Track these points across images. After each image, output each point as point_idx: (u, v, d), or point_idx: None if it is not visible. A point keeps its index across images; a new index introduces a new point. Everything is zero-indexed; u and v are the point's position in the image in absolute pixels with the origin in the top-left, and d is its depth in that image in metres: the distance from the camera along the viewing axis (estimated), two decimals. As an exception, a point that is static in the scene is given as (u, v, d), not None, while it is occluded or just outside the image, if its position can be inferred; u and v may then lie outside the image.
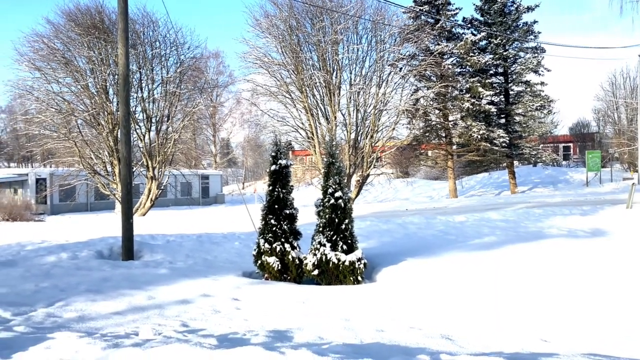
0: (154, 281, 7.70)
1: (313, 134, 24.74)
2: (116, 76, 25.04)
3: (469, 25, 34.43)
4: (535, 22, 33.65)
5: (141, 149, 25.79)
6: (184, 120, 27.01)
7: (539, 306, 5.87)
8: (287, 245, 8.23)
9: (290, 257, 8.18)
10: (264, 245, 8.21)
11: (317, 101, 25.13)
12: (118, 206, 27.04)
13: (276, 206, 8.32)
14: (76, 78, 25.07)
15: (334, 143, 8.38)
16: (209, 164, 58.32)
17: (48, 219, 26.78)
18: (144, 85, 25.52)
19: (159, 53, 25.52)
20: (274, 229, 8.24)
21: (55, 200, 33.92)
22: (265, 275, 8.24)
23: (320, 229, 8.01)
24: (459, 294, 6.63)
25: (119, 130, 26.15)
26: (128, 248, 10.30)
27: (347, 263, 7.68)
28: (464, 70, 33.27)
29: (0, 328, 4.86)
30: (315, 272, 7.84)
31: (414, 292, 6.92)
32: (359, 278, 7.78)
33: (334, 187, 7.97)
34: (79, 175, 27.89)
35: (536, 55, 33.38)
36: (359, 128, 25.23)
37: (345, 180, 10.07)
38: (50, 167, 33.35)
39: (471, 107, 30.67)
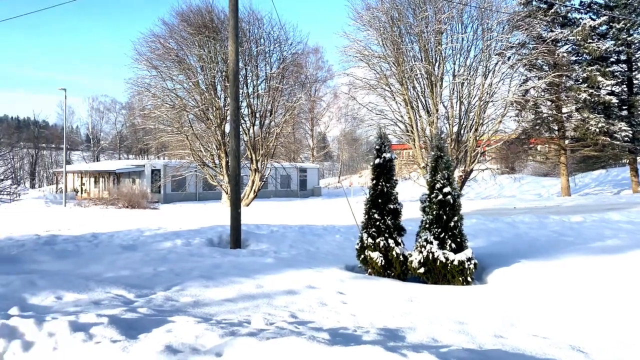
0: (261, 270, 7.88)
1: (412, 127, 24.20)
2: (223, 73, 26.29)
3: (587, 9, 31.61)
4: (667, 2, 30.09)
5: (246, 143, 26.87)
6: (285, 114, 27.71)
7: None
8: (390, 241, 8.03)
9: (394, 253, 7.97)
10: (367, 239, 8.08)
11: (417, 93, 24.54)
12: (224, 196, 28.46)
13: (380, 200, 8.14)
14: (188, 75, 26.68)
15: (442, 136, 8.02)
16: (306, 157, 59.51)
17: (161, 207, 28.87)
18: (249, 81, 26.56)
19: (263, 50, 26.36)
20: (378, 223, 8.07)
21: (168, 189, 36.50)
22: (369, 270, 8.11)
23: (427, 225, 7.71)
24: (582, 302, 6.03)
25: (226, 125, 27.53)
26: (236, 237, 10.70)
27: (455, 262, 7.32)
28: (580, 58, 30.65)
29: (126, 309, 5.19)
30: (421, 270, 7.57)
31: (531, 297, 6.42)
32: (469, 279, 7.39)
33: (442, 182, 7.62)
34: (190, 167, 29.72)
35: (667, 39, 29.89)
36: (462, 121, 24.24)
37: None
38: (164, 159, 35.93)
39: (588, 98, 28.19)
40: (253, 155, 27.34)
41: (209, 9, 26.51)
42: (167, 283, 6.88)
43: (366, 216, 8.20)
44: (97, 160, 67.64)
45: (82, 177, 44.83)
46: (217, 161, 28.00)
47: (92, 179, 43.56)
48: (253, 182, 27.99)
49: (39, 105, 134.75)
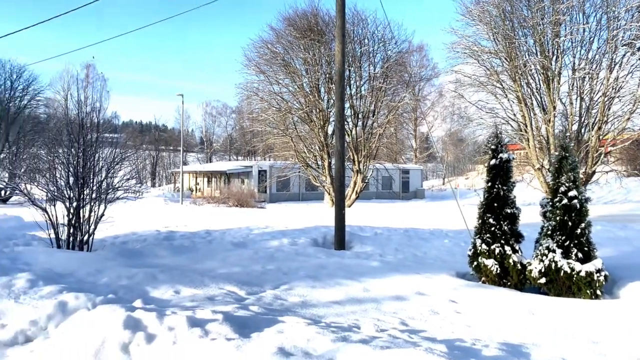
0: (366, 273, 7.74)
1: (526, 126, 22.62)
2: (327, 75, 26.58)
3: None
4: None
5: (348, 143, 26.94)
6: (388, 115, 27.35)
7: None
8: (507, 248, 7.49)
9: (510, 261, 7.41)
10: (480, 245, 7.60)
11: (532, 90, 22.88)
12: (326, 197, 28.77)
13: (495, 204, 7.62)
14: (293, 79, 27.34)
15: (567, 134, 7.32)
16: (409, 158, 58.44)
17: (267, 207, 29.86)
18: (352, 82, 26.56)
19: (367, 50, 26.26)
20: (493, 229, 7.56)
21: (273, 189, 37.71)
22: (482, 278, 7.63)
23: (549, 232, 7.06)
24: None
25: (329, 126, 27.81)
26: (340, 238, 10.65)
27: (582, 274, 6.61)
28: None
29: (238, 306, 5.29)
30: (542, 280, 6.94)
31: (677, 317, 5.59)
32: (598, 292, 6.64)
33: (567, 185, 6.94)
34: (294, 168, 30.44)
35: None
36: (582, 119, 22.19)
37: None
38: (270, 160, 37.19)
39: None
40: (355, 156, 27.32)
41: (314, 12, 26.99)
42: (275, 281, 6.98)
43: (480, 221, 7.73)
44: (210, 162, 71.94)
45: (196, 177, 47.91)
46: (319, 162, 28.39)
47: (205, 179, 46.36)
48: (355, 183, 27.97)
49: (159, 110, 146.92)
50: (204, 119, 79.56)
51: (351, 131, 27.23)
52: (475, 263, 7.68)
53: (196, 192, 45.29)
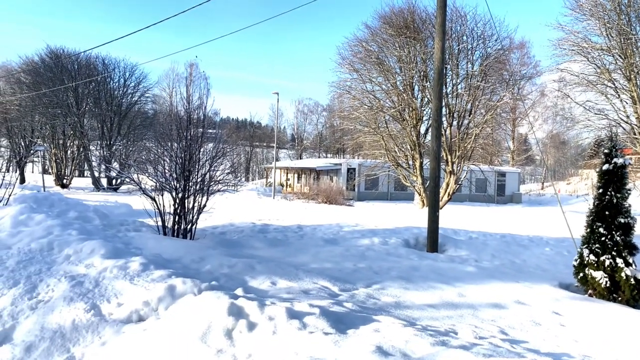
0: (461, 278, 7.51)
1: (642, 129, 20.74)
2: (422, 73, 26.09)
3: None
4: None
5: (442, 143, 26.23)
6: (485, 114, 26.27)
7: None
8: (618, 260, 6.91)
9: (622, 274, 6.84)
10: (588, 256, 7.09)
11: (650, 89, 20.92)
12: (417, 197, 28.27)
13: (606, 212, 7.07)
14: (386, 77, 27.12)
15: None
16: (505, 160, 55.74)
17: (355, 205, 29.94)
18: (448, 80, 25.83)
19: (465, 47, 25.40)
20: (603, 239, 7.02)
21: (362, 188, 37.71)
22: (589, 291, 7.11)
23: (670, 245, 6.43)
24: None
25: (421, 126, 27.28)
26: (433, 240, 10.42)
27: None
28: None
29: (332, 302, 5.36)
30: (660, 298, 6.35)
31: None
32: None
33: (694, 194, 6.27)
34: (383, 166, 30.22)
35: None
36: None
37: None
38: (359, 158, 37.19)
39: None
40: (449, 157, 26.56)
41: (411, 9, 26.59)
42: (367, 280, 6.99)
43: (588, 230, 7.21)
44: (300, 158, 73.46)
45: (287, 173, 49.18)
46: (410, 162, 27.95)
47: (296, 175, 47.45)
48: (447, 184, 27.20)
49: (254, 107, 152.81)
50: (296, 117, 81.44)
51: (445, 131, 26.51)
52: (581, 274, 7.19)
53: (286, 187, 46.49)
